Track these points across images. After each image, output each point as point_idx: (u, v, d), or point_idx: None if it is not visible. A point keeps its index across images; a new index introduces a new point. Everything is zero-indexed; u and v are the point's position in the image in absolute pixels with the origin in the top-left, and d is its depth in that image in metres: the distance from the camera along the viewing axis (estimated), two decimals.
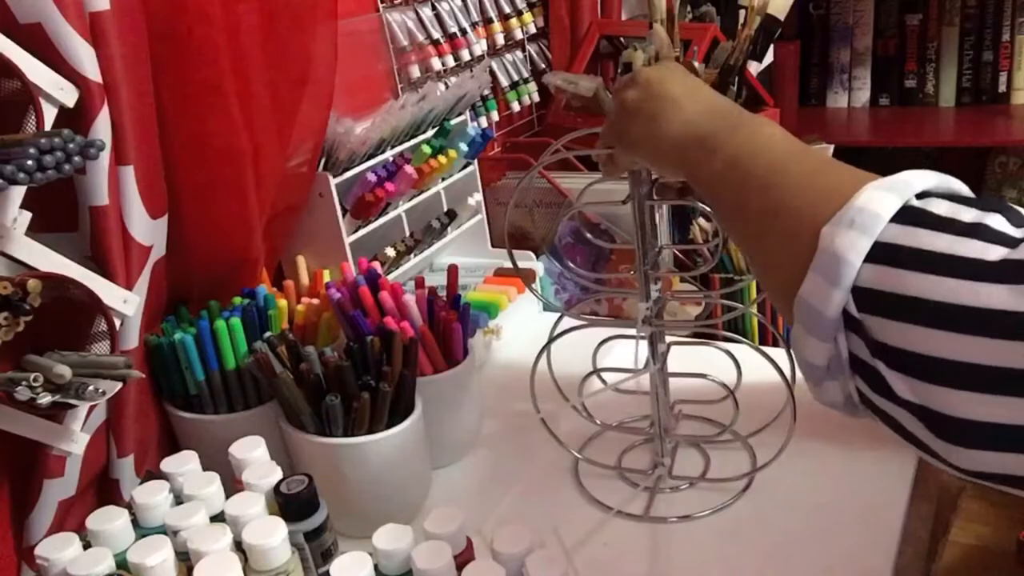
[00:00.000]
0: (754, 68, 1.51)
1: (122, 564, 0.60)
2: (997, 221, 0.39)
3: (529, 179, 0.76)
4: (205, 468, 0.69)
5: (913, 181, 0.43)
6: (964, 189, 0.45)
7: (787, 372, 0.73)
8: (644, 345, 0.78)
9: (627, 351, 0.79)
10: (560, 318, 0.82)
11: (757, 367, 0.79)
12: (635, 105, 0.64)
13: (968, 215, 0.40)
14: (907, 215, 0.41)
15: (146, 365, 0.77)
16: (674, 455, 0.84)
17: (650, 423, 0.85)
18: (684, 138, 0.60)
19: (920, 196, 0.43)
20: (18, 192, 0.60)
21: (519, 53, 1.44)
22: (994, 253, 0.37)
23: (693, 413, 0.89)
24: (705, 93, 0.62)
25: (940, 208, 0.41)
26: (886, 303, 0.40)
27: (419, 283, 0.88)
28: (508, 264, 1.16)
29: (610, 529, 0.76)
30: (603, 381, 0.89)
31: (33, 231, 0.62)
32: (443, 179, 1.11)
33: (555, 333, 0.81)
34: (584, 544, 0.74)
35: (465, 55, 1.25)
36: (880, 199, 0.42)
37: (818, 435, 0.83)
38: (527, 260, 1.15)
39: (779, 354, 0.76)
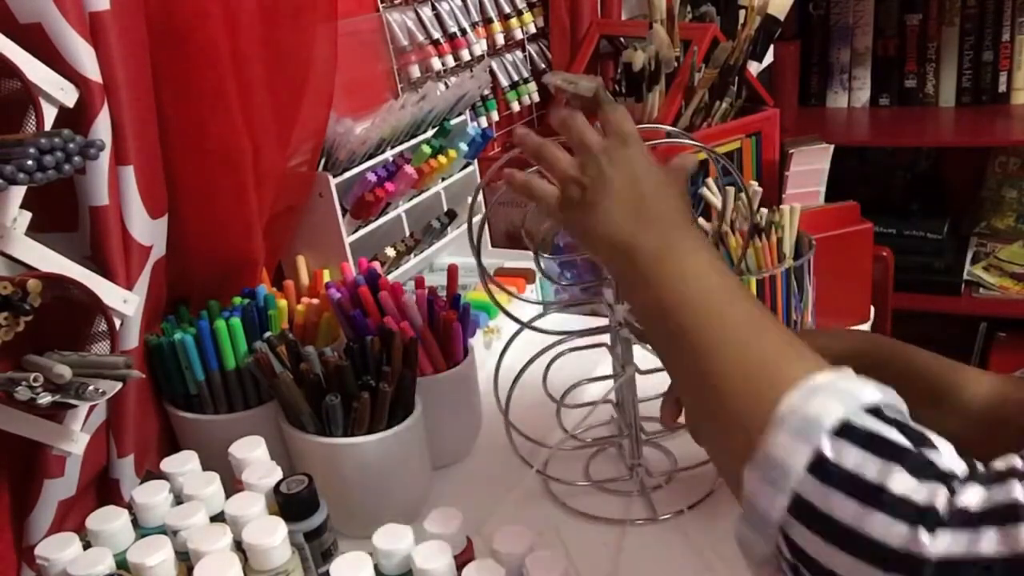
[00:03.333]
0: (754, 68, 1.51)
1: (122, 564, 0.60)
2: (899, 482, 0.40)
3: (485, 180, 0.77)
4: (205, 468, 0.69)
5: (823, 418, 0.43)
6: (872, 398, 0.44)
7: None
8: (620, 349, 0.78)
9: (584, 359, 0.79)
10: (520, 330, 0.81)
11: None
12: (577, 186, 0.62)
13: (872, 469, 0.40)
14: (819, 470, 0.42)
15: (146, 365, 0.77)
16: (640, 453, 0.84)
17: (618, 428, 0.85)
18: (612, 242, 0.59)
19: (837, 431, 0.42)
20: (18, 192, 0.60)
21: (519, 53, 1.44)
22: (896, 536, 0.38)
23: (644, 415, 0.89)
24: (647, 192, 0.60)
25: (849, 460, 0.41)
26: (805, 558, 0.42)
27: (419, 283, 0.88)
28: (508, 264, 1.17)
29: (553, 530, 0.76)
30: (552, 399, 0.87)
31: (33, 231, 0.62)
32: (443, 179, 1.11)
33: (508, 345, 0.81)
34: (584, 548, 0.74)
35: (465, 55, 1.25)
36: (791, 449, 0.43)
37: None
38: (527, 260, 1.15)
39: None
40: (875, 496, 0.40)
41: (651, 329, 0.57)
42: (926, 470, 0.40)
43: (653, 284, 0.56)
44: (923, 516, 0.38)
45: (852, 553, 0.39)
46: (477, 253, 0.74)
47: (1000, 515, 0.37)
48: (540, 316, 0.81)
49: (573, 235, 0.65)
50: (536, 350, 0.82)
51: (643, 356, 0.78)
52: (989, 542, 0.37)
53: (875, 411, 0.43)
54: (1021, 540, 0.36)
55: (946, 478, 0.39)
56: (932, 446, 0.41)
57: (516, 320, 0.78)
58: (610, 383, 0.84)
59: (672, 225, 0.58)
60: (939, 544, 0.37)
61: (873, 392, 0.44)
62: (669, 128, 0.76)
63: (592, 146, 0.62)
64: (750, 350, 0.49)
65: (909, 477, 0.40)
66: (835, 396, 0.43)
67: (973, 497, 0.38)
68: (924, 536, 0.38)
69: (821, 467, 0.41)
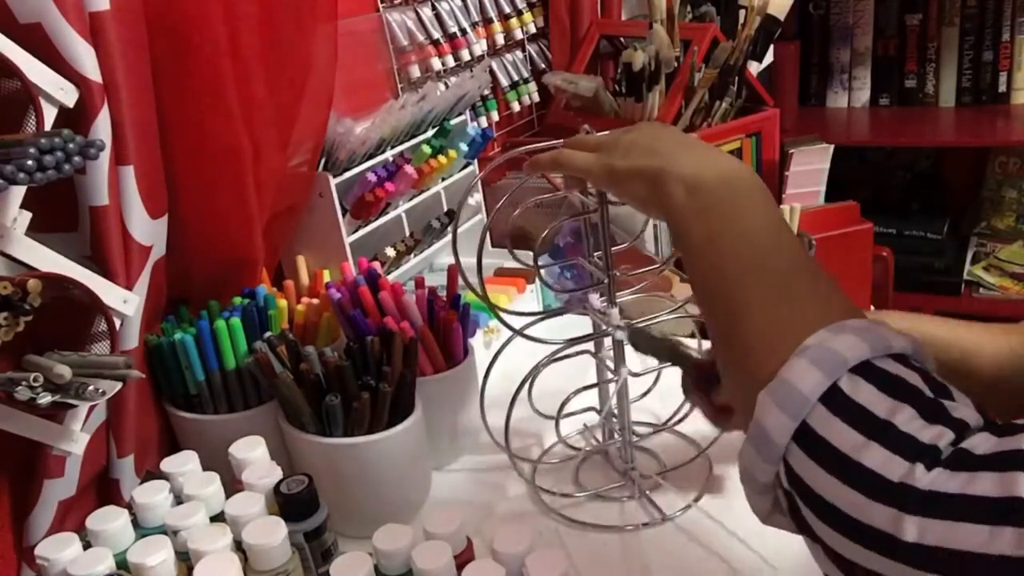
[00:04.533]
0: (754, 68, 1.51)
1: (122, 564, 0.60)
2: (906, 421, 0.40)
3: (476, 184, 0.77)
4: (205, 468, 0.69)
5: (847, 353, 0.43)
6: (897, 345, 0.45)
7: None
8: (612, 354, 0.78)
9: (570, 364, 0.79)
10: (511, 337, 0.81)
11: None
12: (635, 135, 0.62)
13: (883, 406, 0.41)
14: (831, 400, 0.42)
15: (146, 365, 0.77)
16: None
17: (602, 435, 0.85)
18: (667, 172, 0.57)
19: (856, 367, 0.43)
20: (18, 192, 0.60)
21: (519, 53, 1.44)
22: (892, 470, 0.38)
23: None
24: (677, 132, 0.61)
25: (862, 395, 0.42)
26: (801, 485, 0.42)
27: (419, 283, 0.88)
28: (508, 264, 1.17)
29: (552, 530, 0.76)
30: (539, 413, 0.87)
31: (33, 231, 0.62)
32: (443, 179, 1.11)
33: (497, 354, 0.80)
34: (583, 549, 0.74)
35: (465, 55, 1.25)
36: (809, 377, 0.43)
37: None
38: (527, 260, 1.15)
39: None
40: (880, 431, 0.40)
41: (695, 256, 0.55)
42: (937, 415, 0.40)
43: (712, 212, 0.54)
44: (922, 453, 0.38)
45: (846, 482, 0.40)
46: (478, 260, 0.74)
47: (1003, 461, 0.37)
48: (530, 324, 0.80)
49: (622, 192, 0.63)
50: (531, 352, 0.82)
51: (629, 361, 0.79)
52: (983, 483, 0.36)
53: (900, 358, 0.44)
54: (1017, 486, 0.35)
55: (956, 425, 0.39)
56: (950, 397, 0.42)
57: (509, 327, 0.78)
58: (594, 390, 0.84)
59: (718, 153, 0.58)
60: (931, 479, 0.37)
61: (902, 341, 0.45)
62: None
63: (596, 142, 0.63)
64: (794, 289, 0.50)
65: (918, 418, 0.40)
66: (864, 338, 0.44)
67: (981, 444, 0.38)
68: (920, 471, 0.38)
69: (833, 398, 0.42)
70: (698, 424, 0.80)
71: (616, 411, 0.80)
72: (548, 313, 0.82)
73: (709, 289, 0.54)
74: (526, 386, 0.77)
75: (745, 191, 0.55)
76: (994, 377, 0.66)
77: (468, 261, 1.05)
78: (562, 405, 0.82)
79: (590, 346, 0.81)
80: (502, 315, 0.75)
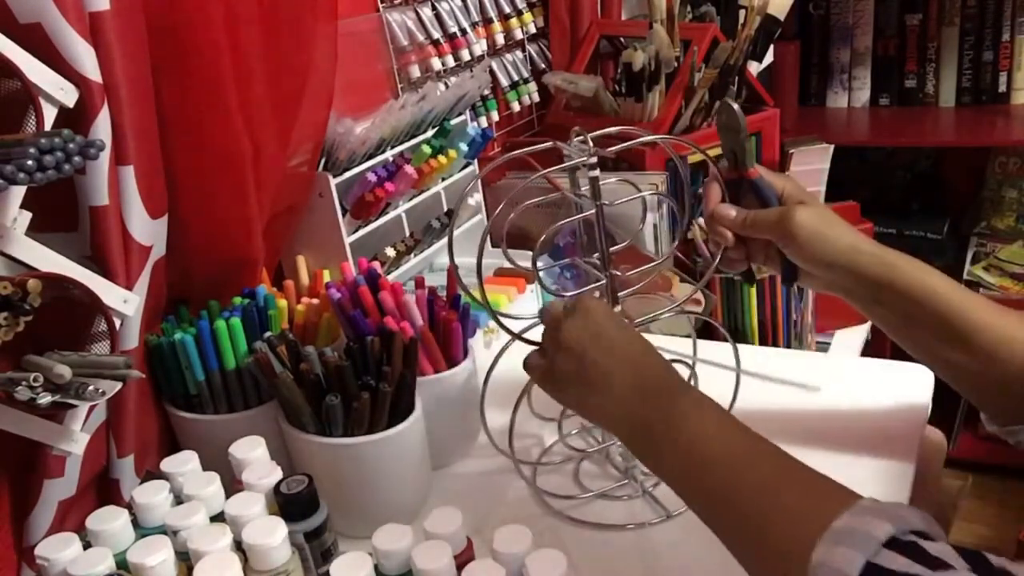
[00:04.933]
0: (754, 68, 1.51)
1: (122, 564, 0.60)
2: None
3: (474, 186, 0.77)
4: (205, 468, 0.69)
5: (875, 531, 0.47)
6: (915, 522, 0.49)
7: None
8: None
9: None
10: (510, 342, 0.81)
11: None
12: (567, 368, 0.66)
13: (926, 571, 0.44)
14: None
15: (146, 365, 0.77)
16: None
17: (598, 436, 0.85)
18: (623, 422, 0.64)
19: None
20: (18, 192, 0.60)
21: (519, 53, 1.44)
22: None
23: None
24: (632, 360, 0.65)
25: (898, 564, 0.46)
26: None
27: (419, 283, 0.88)
28: (508, 264, 1.17)
29: (552, 530, 0.76)
30: (537, 416, 0.89)
31: (33, 231, 0.62)
32: (443, 179, 1.11)
33: (499, 356, 0.80)
34: (583, 549, 0.74)
35: (465, 55, 1.25)
36: (847, 558, 0.47)
37: (816, 438, 0.83)
38: (526, 260, 1.15)
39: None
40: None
41: (683, 491, 0.61)
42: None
43: (671, 452, 0.60)
44: None
45: None
46: (478, 261, 0.74)
47: None
48: (528, 328, 0.80)
49: (579, 415, 0.70)
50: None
51: None
52: None
53: (922, 535, 0.48)
54: None
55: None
56: (987, 563, 0.45)
57: (508, 331, 0.77)
58: None
59: (669, 391, 0.63)
60: None
61: (917, 517, 0.49)
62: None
63: (556, 341, 0.67)
64: (784, 493, 0.54)
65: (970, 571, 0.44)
66: (885, 517, 0.48)
67: None
68: None
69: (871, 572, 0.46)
70: None
71: None
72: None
73: (707, 505, 0.58)
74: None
75: (678, 394, 0.62)
76: (974, 345, 0.68)
77: (468, 261, 1.06)
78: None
79: None
80: (501, 321, 0.75)
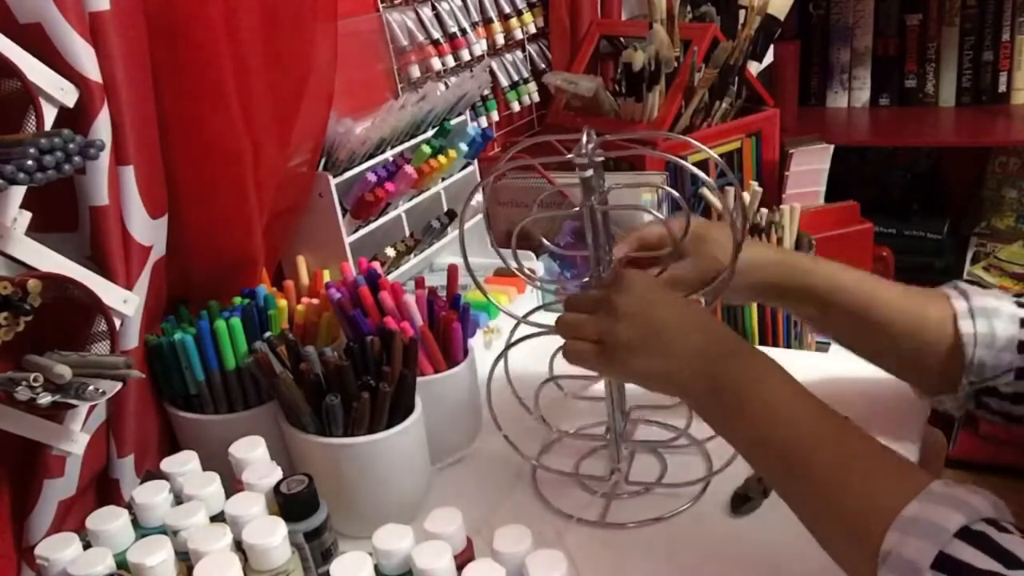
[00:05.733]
0: (754, 68, 1.51)
1: (122, 564, 0.60)
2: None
3: (489, 181, 0.78)
4: (205, 468, 0.69)
5: (947, 522, 0.48)
6: (984, 510, 0.49)
7: None
8: None
9: None
10: (517, 324, 0.81)
11: None
12: (630, 336, 0.66)
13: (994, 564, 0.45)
14: (942, 566, 0.47)
15: (146, 365, 0.77)
16: (631, 460, 0.84)
17: (606, 429, 0.85)
18: (694, 385, 0.64)
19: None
20: (18, 192, 0.60)
21: (519, 53, 1.44)
22: None
23: (652, 418, 0.89)
24: (697, 323, 0.66)
25: (967, 555, 0.46)
26: None
27: (419, 283, 0.88)
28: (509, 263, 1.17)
29: (567, 535, 0.76)
30: (559, 387, 0.90)
31: (33, 231, 0.62)
32: (443, 179, 1.11)
33: (512, 340, 0.81)
34: (583, 549, 0.74)
35: (465, 55, 1.25)
36: (918, 549, 0.47)
37: None
38: (527, 260, 1.15)
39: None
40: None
41: (753, 457, 0.61)
42: None
43: (745, 416, 0.61)
44: None
45: None
46: (503, 253, 0.74)
47: None
48: (532, 312, 0.81)
49: (643, 385, 0.69)
50: (533, 351, 0.82)
51: None
52: None
53: (992, 522, 0.48)
54: None
55: None
56: None
57: (512, 315, 0.78)
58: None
59: (739, 353, 0.63)
60: None
61: (987, 504, 0.49)
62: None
63: (608, 315, 0.68)
64: (857, 470, 0.55)
65: None
66: (956, 506, 0.48)
67: None
68: None
69: (944, 565, 0.46)
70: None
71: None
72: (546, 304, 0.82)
73: (779, 474, 0.59)
74: (533, 395, 0.77)
75: (748, 357, 0.62)
76: (899, 335, 0.74)
77: (472, 261, 1.06)
78: (544, 383, 0.82)
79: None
80: (503, 307, 0.75)
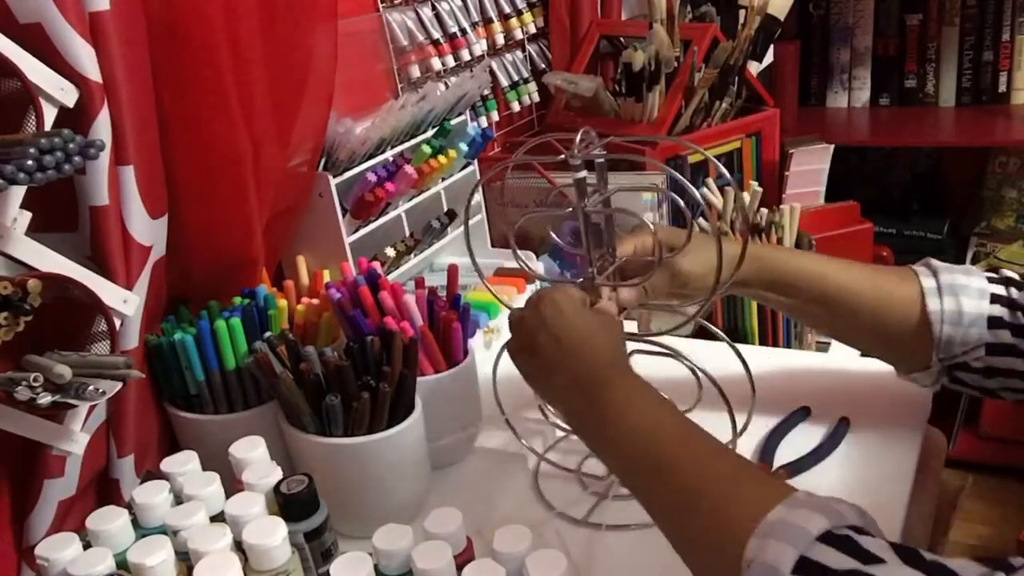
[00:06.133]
0: (754, 68, 1.51)
1: (122, 564, 0.60)
2: (889, 569, 0.44)
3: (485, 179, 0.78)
4: (205, 468, 0.69)
5: (809, 525, 0.47)
6: (851, 517, 0.49)
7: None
8: None
9: None
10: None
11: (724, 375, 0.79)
12: (519, 350, 0.71)
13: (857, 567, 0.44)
14: (803, 570, 0.45)
15: (146, 365, 0.77)
16: None
17: None
18: (563, 411, 0.68)
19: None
20: (18, 192, 0.60)
21: (519, 53, 1.44)
22: None
23: None
24: (574, 348, 0.67)
25: (830, 559, 0.45)
26: None
27: (419, 283, 0.88)
28: (509, 264, 1.17)
29: (567, 535, 0.76)
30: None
31: (33, 231, 0.62)
32: (443, 179, 1.11)
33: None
34: (583, 549, 0.74)
35: (465, 55, 1.25)
36: (783, 554, 0.46)
37: (816, 438, 0.83)
38: (527, 260, 1.15)
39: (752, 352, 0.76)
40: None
41: (623, 482, 0.62)
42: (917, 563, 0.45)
43: (606, 443, 0.63)
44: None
45: None
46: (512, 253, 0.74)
47: None
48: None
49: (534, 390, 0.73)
50: None
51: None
52: None
53: (857, 529, 0.48)
54: None
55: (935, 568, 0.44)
56: (922, 559, 0.45)
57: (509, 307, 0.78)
58: None
59: (601, 382, 0.64)
60: None
61: (854, 514, 0.49)
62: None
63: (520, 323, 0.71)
64: (717, 482, 0.54)
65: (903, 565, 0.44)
66: (820, 511, 0.48)
67: None
68: None
69: (805, 569, 0.45)
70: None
71: None
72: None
73: (644, 498, 0.59)
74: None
75: (621, 380, 0.64)
76: (863, 315, 0.75)
77: (469, 261, 1.05)
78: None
79: None
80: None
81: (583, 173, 0.71)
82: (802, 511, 0.47)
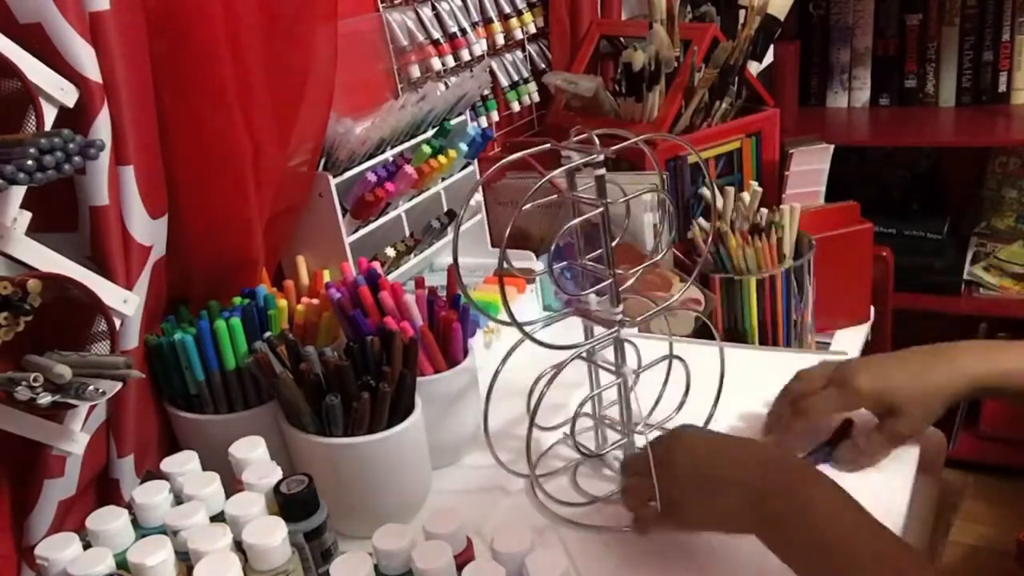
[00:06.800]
0: (754, 68, 1.51)
1: (122, 564, 0.60)
2: None
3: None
4: (205, 468, 0.69)
5: None
6: None
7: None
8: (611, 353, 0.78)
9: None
10: (520, 342, 0.80)
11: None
12: (684, 475, 0.67)
13: None
14: None
15: (146, 365, 0.77)
16: None
17: (596, 440, 0.85)
18: (744, 509, 0.64)
19: None
20: (18, 192, 0.60)
21: (519, 53, 1.44)
22: None
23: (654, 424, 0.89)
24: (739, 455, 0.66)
25: None
26: None
27: (419, 283, 0.88)
28: (514, 263, 1.17)
29: (567, 536, 0.76)
30: (539, 427, 0.88)
31: (33, 231, 0.62)
32: (443, 179, 1.11)
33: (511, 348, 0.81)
34: (583, 549, 0.74)
35: (465, 55, 1.25)
36: None
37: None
38: (527, 260, 1.15)
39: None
40: None
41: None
42: None
43: (797, 547, 0.61)
44: None
45: None
46: (503, 252, 0.74)
47: None
48: (535, 321, 0.81)
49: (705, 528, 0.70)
50: (528, 356, 0.81)
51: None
52: None
53: None
54: None
55: None
56: None
57: (521, 329, 0.77)
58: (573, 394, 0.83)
59: (783, 490, 0.62)
60: None
61: None
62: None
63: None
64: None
65: None
66: None
67: None
68: None
69: None
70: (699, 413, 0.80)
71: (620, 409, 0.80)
72: (556, 317, 0.81)
73: None
74: (533, 400, 0.77)
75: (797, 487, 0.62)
76: None
77: (468, 261, 1.05)
78: (574, 420, 0.83)
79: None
80: (516, 323, 0.75)
81: (603, 170, 0.71)
82: None
